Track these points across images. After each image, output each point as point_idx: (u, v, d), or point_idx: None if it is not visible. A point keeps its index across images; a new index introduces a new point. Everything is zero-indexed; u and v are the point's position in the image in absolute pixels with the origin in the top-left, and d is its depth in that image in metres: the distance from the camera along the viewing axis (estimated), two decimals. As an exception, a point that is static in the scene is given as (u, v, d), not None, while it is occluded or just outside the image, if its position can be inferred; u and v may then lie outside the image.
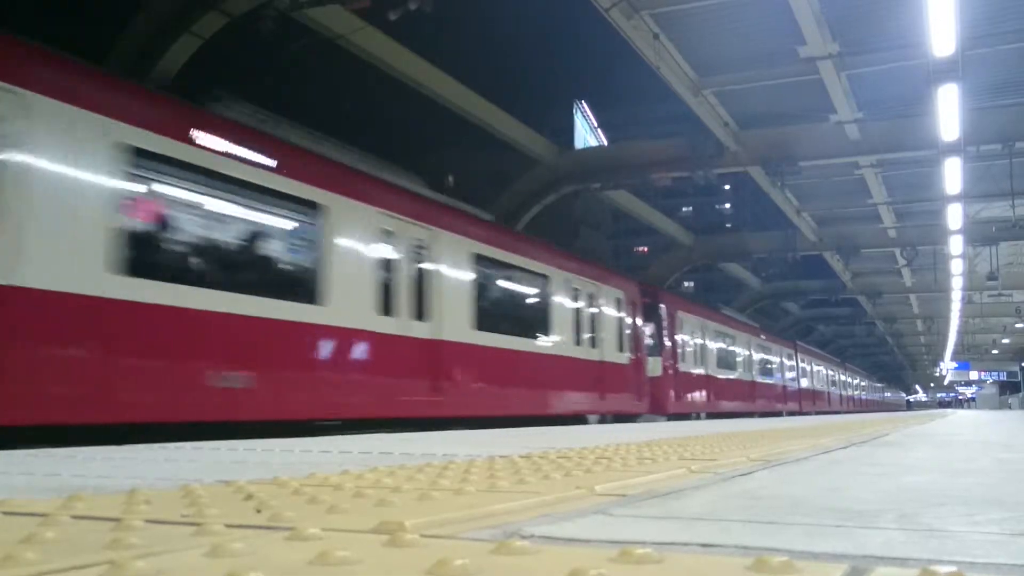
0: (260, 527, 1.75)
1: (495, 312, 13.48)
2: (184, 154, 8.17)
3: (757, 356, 30.18)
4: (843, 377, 51.54)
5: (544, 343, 14.83)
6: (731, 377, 26.87)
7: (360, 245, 10.41)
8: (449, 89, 18.41)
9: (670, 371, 21.22)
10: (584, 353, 16.26)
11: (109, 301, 7.37)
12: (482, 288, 13.02)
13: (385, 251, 10.84)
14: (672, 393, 21.21)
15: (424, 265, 11.57)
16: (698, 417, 22.53)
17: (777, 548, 1.56)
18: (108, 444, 5.63)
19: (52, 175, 6.99)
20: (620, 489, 2.54)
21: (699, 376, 23.53)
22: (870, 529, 1.83)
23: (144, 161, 7.76)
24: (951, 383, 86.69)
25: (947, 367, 68.58)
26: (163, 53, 13.56)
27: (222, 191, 8.67)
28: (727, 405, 25.70)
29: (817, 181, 23.67)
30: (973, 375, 70.85)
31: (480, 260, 12.95)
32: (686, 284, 55.12)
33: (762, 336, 31.76)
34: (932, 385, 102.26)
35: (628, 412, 18.22)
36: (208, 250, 8.69)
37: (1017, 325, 45.50)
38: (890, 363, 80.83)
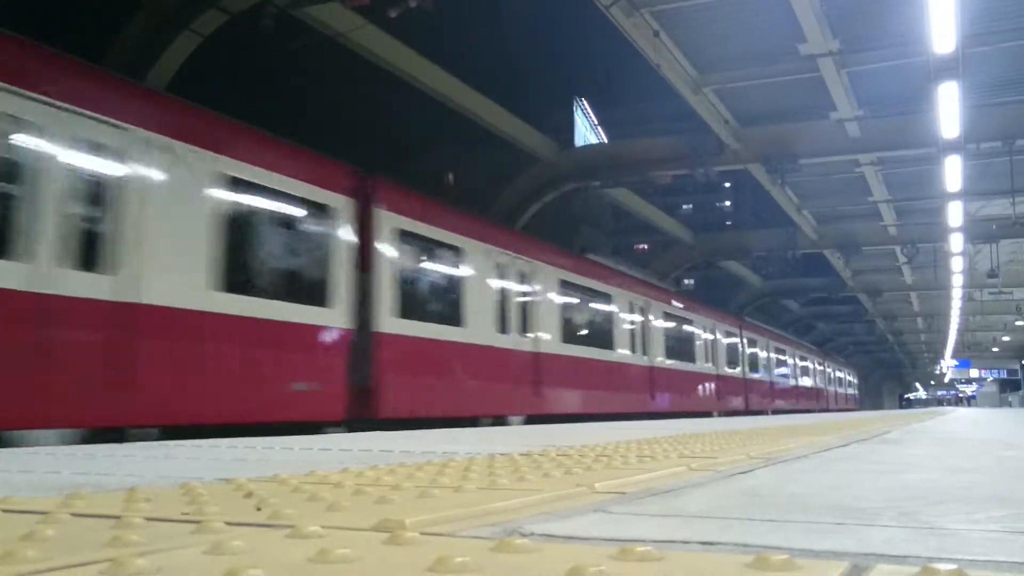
0: (260, 525, 1.75)
1: (677, 348, 21.82)
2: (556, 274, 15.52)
3: (799, 364, 37.03)
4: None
5: (696, 364, 23.11)
6: (784, 382, 34.41)
7: (662, 322, 19.96)
8: (449, 86, 18.39)
9: (751, 380, 28.45)
10: (722, 371, 25.37)
11: (517, 352, 13.84)
12: (677, 334, 21.90)
13: (671, 323, 20.89)
14: (752, 396, 28.27)
15: (672, 325, 21.07)
16: (765, 413, 28.77)
17: (777, 546, 1.55)
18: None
19: (479, 282, 13.06)
20: (620, 487, 2.54)
21: (767, 382, 31.00)
22: (871, 527, 1.83)
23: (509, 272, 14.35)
24: (951, 381, 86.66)
25: (947, 365, 68.49)
26: (163, 50, 13.57)
27: (586, 296, 16.62)
28: (782, 404, 32.67)
29: (817, 179, 23.66)
30: (973, 373, 70.75)
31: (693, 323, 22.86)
32: (686, 282, 55.01)
33: (801, 348, 38.37)
34: (932, 383, 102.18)
35: (733, 410, 25.96)
36: (579, 322, 16.13)
37: (1017, 323, 45.46)
38: (890, 360, 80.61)
